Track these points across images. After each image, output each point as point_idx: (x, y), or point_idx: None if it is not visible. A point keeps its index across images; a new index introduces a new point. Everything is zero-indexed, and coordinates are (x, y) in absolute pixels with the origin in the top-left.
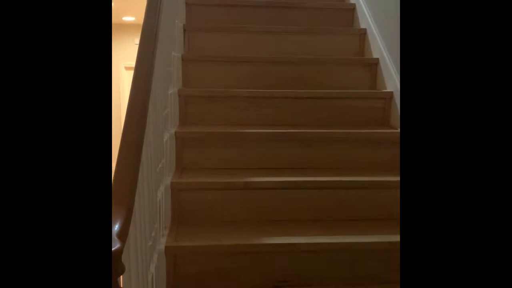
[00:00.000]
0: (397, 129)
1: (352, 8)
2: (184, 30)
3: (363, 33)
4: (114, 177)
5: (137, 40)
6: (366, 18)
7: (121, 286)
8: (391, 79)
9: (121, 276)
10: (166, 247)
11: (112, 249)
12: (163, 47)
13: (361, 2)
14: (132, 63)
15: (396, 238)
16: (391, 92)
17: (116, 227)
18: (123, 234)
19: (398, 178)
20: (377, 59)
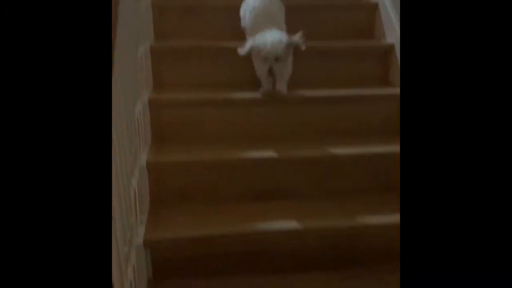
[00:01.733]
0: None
1: None
2: None
3: None
4: None
5: None
6: None
7: None
8: None
9: None
10: (147, 162)
11: None
12: None
13: None
14: None
15: (377, 149)
16: (376, 4)
17: None
18: None
19: (379, 92)
20: None
